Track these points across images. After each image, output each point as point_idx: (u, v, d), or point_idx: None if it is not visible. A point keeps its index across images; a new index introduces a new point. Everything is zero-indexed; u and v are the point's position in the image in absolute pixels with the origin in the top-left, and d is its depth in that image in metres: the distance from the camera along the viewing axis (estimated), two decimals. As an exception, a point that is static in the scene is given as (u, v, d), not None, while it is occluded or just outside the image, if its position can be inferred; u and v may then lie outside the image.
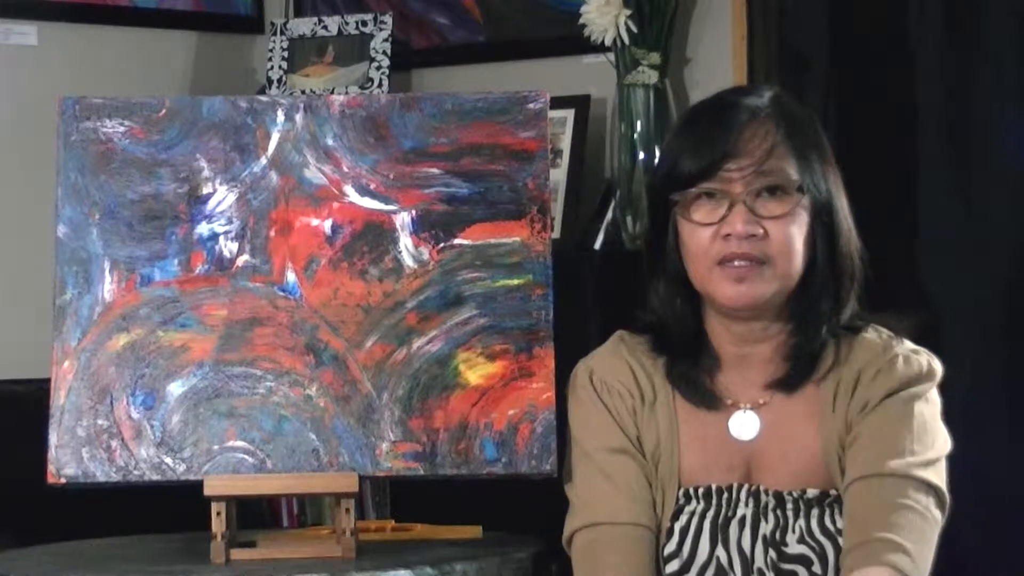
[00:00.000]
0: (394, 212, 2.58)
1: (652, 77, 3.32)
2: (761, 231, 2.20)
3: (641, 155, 3.32)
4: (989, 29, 3.12)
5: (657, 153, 3.29)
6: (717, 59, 3.38)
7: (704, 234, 2.22)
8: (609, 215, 3.39)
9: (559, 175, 3.40)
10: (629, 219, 3.32)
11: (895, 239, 3.15)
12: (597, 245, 3.38)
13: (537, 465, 2.49)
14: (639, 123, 3.34)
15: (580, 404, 2.37)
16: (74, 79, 3.57)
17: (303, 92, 3.63)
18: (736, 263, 2.20)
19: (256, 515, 3.34)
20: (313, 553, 2.50)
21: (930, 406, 2.25)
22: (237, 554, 2.48)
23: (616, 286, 3.11)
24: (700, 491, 2.28)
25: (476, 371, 2.53)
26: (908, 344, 2.28)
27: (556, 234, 3.23)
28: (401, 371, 2.53)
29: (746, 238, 2.20)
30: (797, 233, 2.22)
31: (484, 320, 2.54)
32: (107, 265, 2.55)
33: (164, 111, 2.60)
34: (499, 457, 2.50)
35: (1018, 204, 3.07)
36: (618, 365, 2.35)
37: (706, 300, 2.28)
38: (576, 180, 3.43)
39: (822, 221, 2.24)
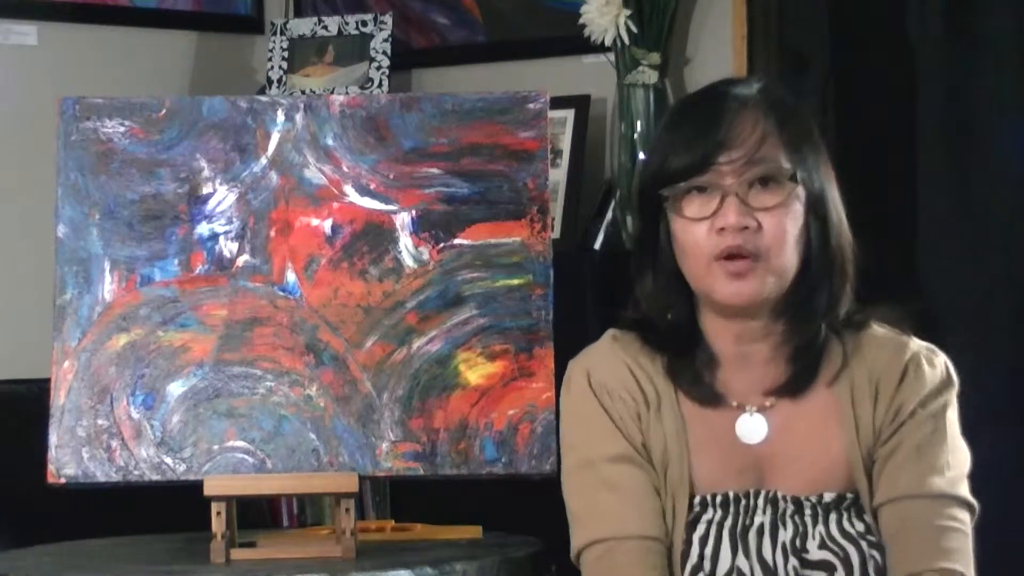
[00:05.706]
0: (394, 212, 2.58)
1: (652, 77, 3.32)
2: (754, 223, 2.16)
3: (641, 155, 3.31)
4: (989, 29, 3.12)
5: (655, 152, 3.30)
6: (717, 59, 3.38)
7: (699, 230, 2.19)
8: (609, 215, 3.39)
9: (559, 175, 3.40)
10: (629, 219, 3.32)
11: (895, 238, 3.15)
12: (597, 245, 3.38)
13: (537, 465, 2.49)
14: (639, 123, 3.34)
15: (577, 409, 2.25)
16: (74, 79, 3.56)
17: (303, 92, 3.62)
18: (733, 260, 2.17)
19: (256, 515, 3.34)
20: (313, 553, 2.50)
21: (955, 413, 2.24)
22: (237, 554, 2.48)
23: (616, 286, 3.10)
24: (718, 499, 2.22)
25: (476, 371, 2.53)
26: (917, 340, 2.26)
27: (556, 234, 3.23)
28: (401, 371, 2.53)
29: (740, 230, 2.17)
30: (791, 226, 2.18)
31: (484, 320, 2.54)
32: (107, 265, 2.55)
33: (164, 111, 2.60)
34: (499, 457, 2.50)
35: (1018, 204, 3.07)
36: (617, 366, 2.25)
37: (702, 298, 2.25)
38: (576, 180, 3.42)
39: (816, 214, 2.22)
